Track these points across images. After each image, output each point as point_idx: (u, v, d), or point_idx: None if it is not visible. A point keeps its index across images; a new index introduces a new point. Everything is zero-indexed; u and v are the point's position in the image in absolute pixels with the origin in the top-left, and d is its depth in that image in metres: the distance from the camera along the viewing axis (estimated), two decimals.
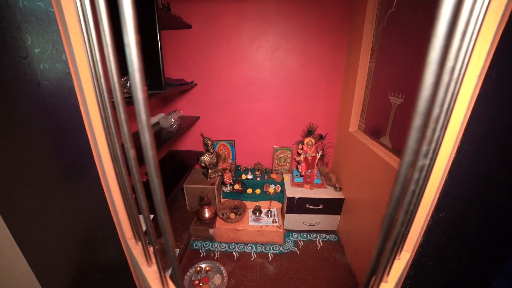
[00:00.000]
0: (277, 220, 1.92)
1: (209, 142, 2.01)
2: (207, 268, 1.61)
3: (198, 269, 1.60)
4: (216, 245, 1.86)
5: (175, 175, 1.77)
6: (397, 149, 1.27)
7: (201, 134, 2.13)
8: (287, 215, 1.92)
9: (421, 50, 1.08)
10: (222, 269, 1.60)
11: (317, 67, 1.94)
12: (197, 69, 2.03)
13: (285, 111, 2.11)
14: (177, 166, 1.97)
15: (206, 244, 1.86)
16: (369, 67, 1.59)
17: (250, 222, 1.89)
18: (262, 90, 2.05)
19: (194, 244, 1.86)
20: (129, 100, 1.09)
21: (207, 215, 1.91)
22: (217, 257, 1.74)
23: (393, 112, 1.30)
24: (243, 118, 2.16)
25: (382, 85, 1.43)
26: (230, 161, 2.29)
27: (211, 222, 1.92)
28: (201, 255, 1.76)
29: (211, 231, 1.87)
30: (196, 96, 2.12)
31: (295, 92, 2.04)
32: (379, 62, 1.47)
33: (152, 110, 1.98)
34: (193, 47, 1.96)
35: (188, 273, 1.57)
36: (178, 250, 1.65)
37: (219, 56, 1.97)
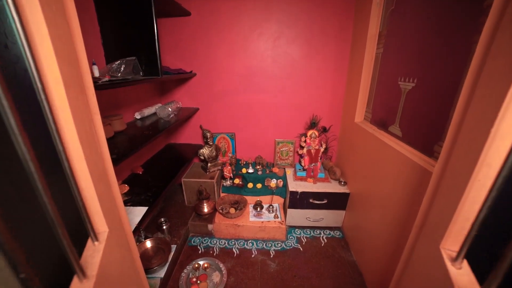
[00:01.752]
0: (279, 215, 1.84)
1: (208, 135, 1.93)
2: (206, 265, 1.53)
3: (196, 266, 1.53)
4: (215, 241, 1.78)
5: (173, 168, 1.70)
6: (408, 138, 1.18)
7: (200, 126, 2.05)
8: (289, 211, 1.83)
9: (435, 29, 1.00)
10: (221, 266, 1.52)
11: (321, 55, 1.86)
12: (196, 59, 1.95)
13: (287, 103, 2.03)
14: (175, 159, 1.90)
15: (204, 240, 1.78)
16: (376, 54, 1.51)
17: (250, 217, 1.81)
18: (264, 81, 1.97)
19: (192, 240, 1.78)
20: (118, 81, 1.01)
21: (206, 210, 1.84)
22: (216, 254, 1.66)
23: (404, 98, 1.22)
24: (244, 109, 2.08)
25: (391, 71, 1.34)
26: (230, 155, 2.21)
27: (210, 217, 1.84)
28: (200, 252, 1.68)
29: (210, 226, 1.80)
30: (195, 86, 2.05)
31: (298, 82, 1.95)
32: (388, 47, 1.38)
33: (149, 99, 1.90)
34: (192, 35, 1.88)
35: (185, 270, 1.49)
36: (175, 246, 1.57)
37: (219, 45, 1.89)
